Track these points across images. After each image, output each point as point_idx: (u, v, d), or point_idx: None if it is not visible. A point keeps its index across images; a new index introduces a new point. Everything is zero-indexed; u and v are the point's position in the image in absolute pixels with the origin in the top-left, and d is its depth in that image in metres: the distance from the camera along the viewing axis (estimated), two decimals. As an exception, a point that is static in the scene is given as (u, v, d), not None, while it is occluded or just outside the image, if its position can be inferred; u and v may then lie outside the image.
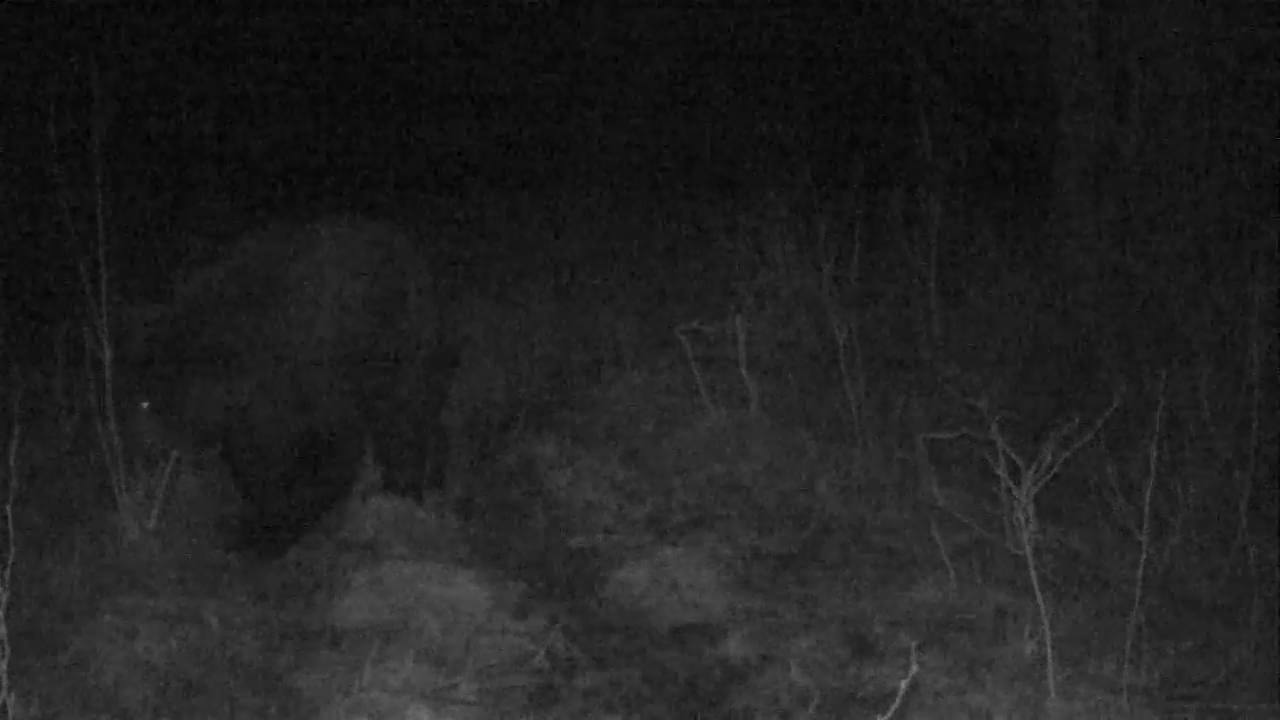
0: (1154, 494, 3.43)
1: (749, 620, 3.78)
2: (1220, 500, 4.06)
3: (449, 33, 11.19)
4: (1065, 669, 3.28)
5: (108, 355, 4.09)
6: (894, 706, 2.32)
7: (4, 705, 2.81)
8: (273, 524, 4.20)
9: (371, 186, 9.74)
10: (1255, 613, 3.53)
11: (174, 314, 4.04)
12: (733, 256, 6.23)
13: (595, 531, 4.56)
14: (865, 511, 4.48)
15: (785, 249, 5.98)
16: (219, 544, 4.16)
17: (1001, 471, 3.49)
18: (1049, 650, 3.19)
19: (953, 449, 4.58)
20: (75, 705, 3.27)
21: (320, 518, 4.33)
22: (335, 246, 4.36)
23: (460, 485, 5.05)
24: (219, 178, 8.93)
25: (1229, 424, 4.33)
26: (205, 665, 3.51)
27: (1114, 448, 4.06)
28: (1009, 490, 3.48)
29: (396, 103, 11.04)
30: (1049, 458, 3.42)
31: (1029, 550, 3.29)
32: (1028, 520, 3.30)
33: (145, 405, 4.00)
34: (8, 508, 3.10)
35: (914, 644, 2.54)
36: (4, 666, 2.78)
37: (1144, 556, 3.35)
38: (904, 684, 2.29)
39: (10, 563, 2.88)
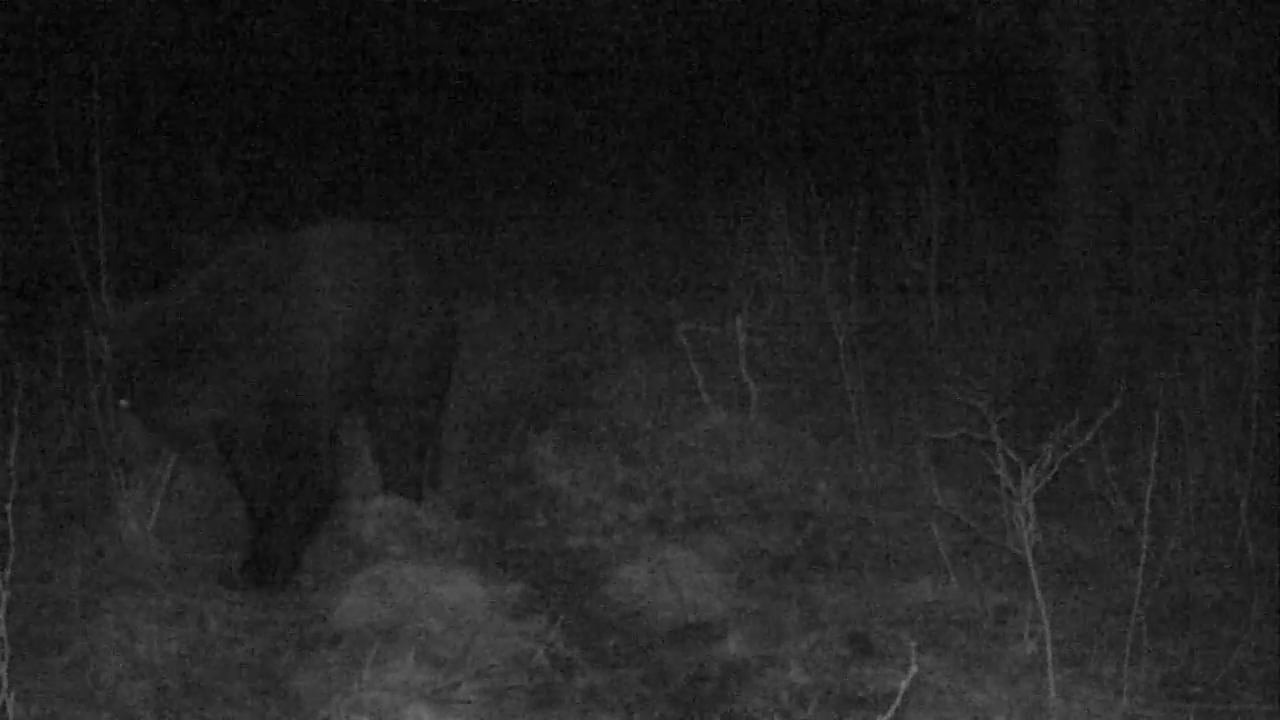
0: (1154, 494, 3.43)
1: (749, 620, 3.78)
2: (1220, 500, 4.07)
3: (450, 32, 11.19)
4: (1065, 669, 3.28)
5: (108, 355, 4.07)
6: (894, 706, 2.32)
7: (4, 705, 2.81)
8: (275, 554, 4.11)
9: (372, 186, 9.74)
10: (1255, 613, 3.53)
11: (158, 315, 3.93)
12: (733, 256, 6.23)
13: (595, 531, 4.56)
14: (865, 511, 4.48)
15: (785, 249, 5.99)
16: (223, 581, 4.08)
17: (1001, 471, 3.49)
18: (1049, 650, 3.19)
19: (953, 449, 4.58)
20: (75, 705, 3.27)
21: (315, 532, 4.25)
22: (333, 248, 4.33)
23: (460, 485, 5.05)
24: (220, 178, 8.94)
25: (1229, 424, 4.33)
26: (205, 665, 3.50)
27: (1114, 448, 4.06)
28: (1009, 490, 3.48)
29: (396, 103, 11.04)
30: (1049, 458, 3.42)
31: (1029, 550, 3.29)
32: (1028, 520, 3.30)
33: (123, 404, 3.92)
34: (8, 508, 3.10)
35: (914, 644, 2.54)
36: (4, 667, 2.78)
37: (1144, 556, 3.35)
38: (904, 684, 2.29)
39: (10, 563, 2.88)
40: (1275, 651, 3.41)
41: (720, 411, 5.25)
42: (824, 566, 4.16)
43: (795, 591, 3.98)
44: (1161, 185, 5.61)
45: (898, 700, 2.31)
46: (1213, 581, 3.80)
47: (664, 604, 3.95)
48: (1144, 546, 3.35)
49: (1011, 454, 3.45)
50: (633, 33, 10.72)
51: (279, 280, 4.10)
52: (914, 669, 2.35)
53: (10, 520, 3.13)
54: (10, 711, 2.83)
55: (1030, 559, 3.28)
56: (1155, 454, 3.43)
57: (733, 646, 3.63)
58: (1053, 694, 3.17)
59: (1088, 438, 3.73)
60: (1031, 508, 3.32)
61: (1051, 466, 3.42)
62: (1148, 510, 3.37)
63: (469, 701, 3.33)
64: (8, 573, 2.81)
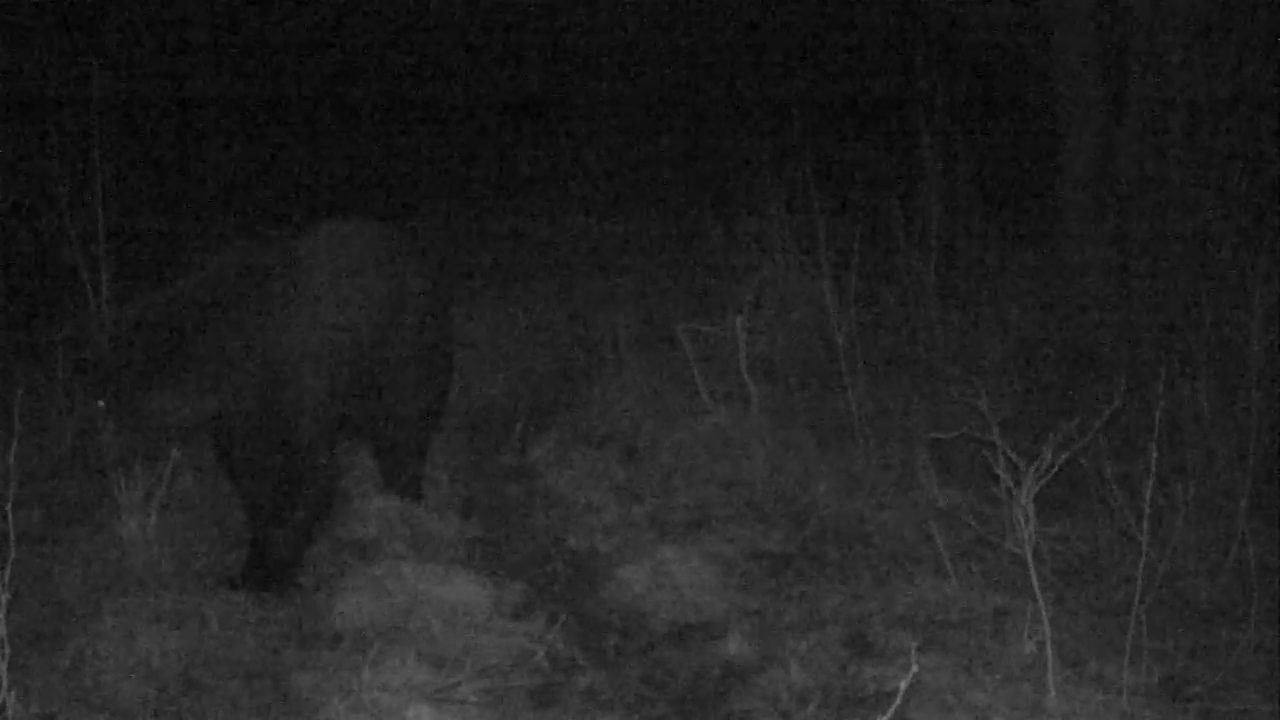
0: (1154, 494, 3.43)
1: (749, 620, 3.78)
2: (1220, 500, 4.06)
3: (449, 35, 11.20)
4: (1065, 669, 3.28)
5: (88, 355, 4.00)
6: (894, 706, 2.32)
7: (4, 705, 2.81)
8: (276, 556, 4.10)
9: (372, 188, 9.74)
10: (1255, 613, 3.53)
11: (140, 317, 3.86)
12: (733, 256, 6.23)
13: (595, 531, 4.56)
14: (865, 511, 4.48)
15: (785, 249, 5.99)
16: (224, 581, 4.06)
17: (1001, 471, 3.49)
18: (1049, 650, 3.19)
19: (953, 449, 4.58)
20: (75, 705, 3.27)
21: (316, 533, 4.24)
22: (335, 250, 4.31)
23: (460, 485, 5.04)
24: (221, 178, 8.94)
25: (1229, 424, 4.32)
26: (205, 665, 3.50)
27: (1114, 448, 4.06)
28: (1009, 490, 3.48)
29: (396, 105, 11.03)
30: (1049, 458, 3.42)
31: (1029, 550, 3.29)
32: (1028, 520, 3.30)
33: (101, 404, 3.84)
34: (8, 508, 3.10)
35: (914, 644, 2.55)
36: (4, 666, 2.78)
37: (1144, 557, 3.35)
38: (904, 684, 2.29)
39: (10, 562, 2.88)
40: (1275, 651, 3.41)
41: (720, 411, 5.24)
42: (824, 566, 4.16)
43: (795, 591, 3.98)
44: (1161, 185, 5.61)
45: (898, 700, 2.31)
46: (1213, 581, 3.80)
47: (664, 604, 3.95)
48: (1144, 546, 3.35)
49: (1011, 454, 3.45)
50: (633, 32, 10.72)
51: (276, 282, 4.05)
52: (914, 669, 2.36)
53: (10, 520, 3.13)
54: (10, 711, 2.83)
55: (1030, 559, 3.28)
56: (1155, 454, 3.43)
57: (733, 646, 3.63)
58: (1053, 694, 3.17)
59: (1088, 438, 3.73)
60: (1031, 508, 3.32)
61: (1051, 466, 3.42)
62: (1148, 510, 3.37)
63: (469, 701, 3.33)
64: (8, 573, 2.81)
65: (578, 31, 11.04)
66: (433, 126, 10.82)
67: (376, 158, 10.48)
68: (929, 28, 6.60)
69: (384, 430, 4.58)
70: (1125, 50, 5.79)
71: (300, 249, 4.21)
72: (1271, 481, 4.16)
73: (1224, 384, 4.48)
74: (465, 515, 4.76)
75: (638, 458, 5.15)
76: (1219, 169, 5.50)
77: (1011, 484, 3.43)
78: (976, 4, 6.17)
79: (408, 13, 11.08)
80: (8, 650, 2.77)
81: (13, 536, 3.16)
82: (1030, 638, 3.43)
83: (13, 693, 2.83)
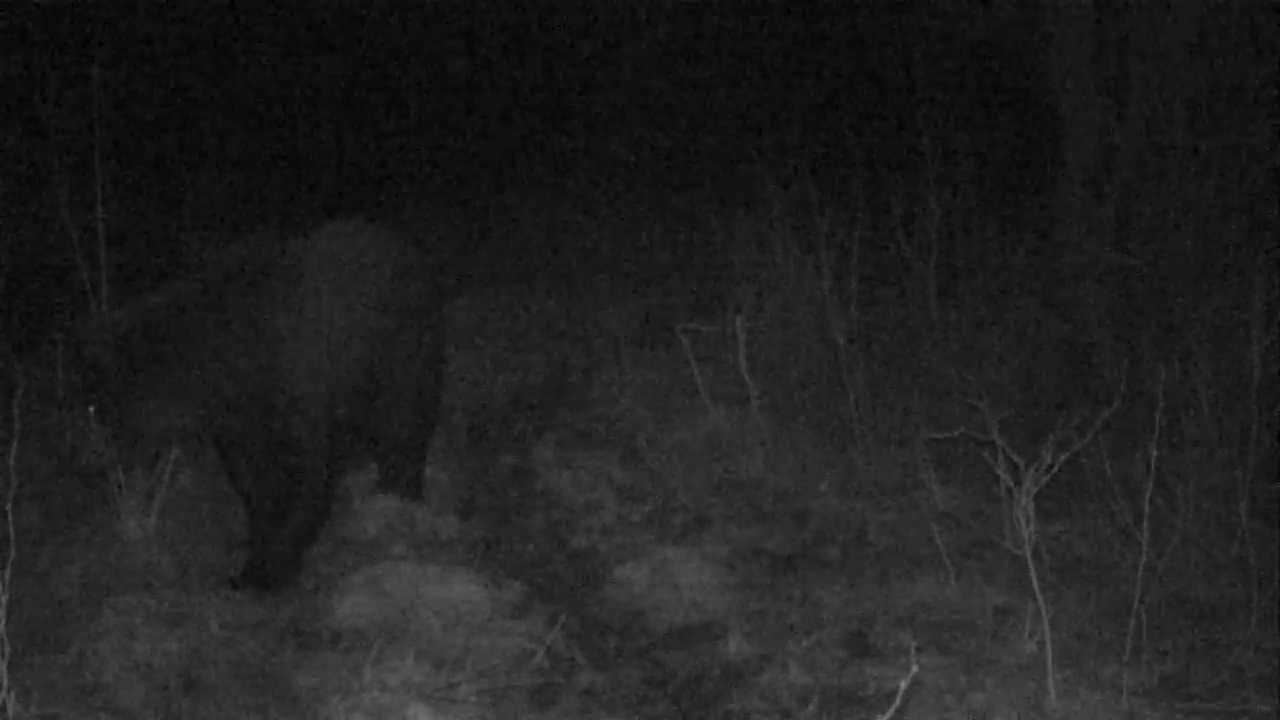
0: (1154, 494, 3.43)
1: (749, 620, 3.78)
2: (1220, 500, 4.06)
3: (449, 32, 11.19)
4: (1065, 669, 3.28)
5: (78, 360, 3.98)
6: (894, 706, 2.32)
7: (4, 704, 2.81)
8: (276, 559, 4.09)
9: (372, 187, 9.74)
10: (1255, 613, 3.53)
11: (132, 321, 3.83)
12: (733, 256, 6.23)
13: (595, 531, 4.56)
14: (865, 511, 4.48)
15: (785, 249, 5.98)
16: (226, 581, 4.06)
17: (1001, 471, 3.49)
18: (1049, 650, 3.19)
19: (953, 449, 4.58)
20: (75, 705, 3.27)
21: (315, 536, 4.23)
22: (339, 255, 4.29)
23: (460, 485, 5.04)
24: (220, 178, 8.94)
25: (1229, 424, 4.32)
26: (205, 665, 3.50)
27: (1114, 448, 4.06)
28: (1009, 490, 3.48)
29: (396, 103, 11.04)
30: (1049, 458, 3.42)
31: (1029, 550, 3.29)
32: (1028, 520, 3.30)
33: (91, 410, 3.81)
34: (8, 508, 3.10)
35: (914, 644, 2.55)
36: (4, 666, 2.78)
37: (1144, 557, 3.35)
38: (904, 684, 2.29)
39: (10, 563, 2.88)
40: (1275, 651, 3.41)
41: (720, 411, 5.25)
42: (824, 566, 4.16)
43: (795, 591, 3.98)
44: (1161, 185, 5.61)
45: (898, 700, 2.31)
46: (1213, 581, 3.80)
47: (664, 604, 3.95)
48: (1144, 546, 3.35)
49: (1011, 454, 3.45)
50: (633, 31, 10.72)
51: (276, 287, 4.03)
52: (914, 669, 2.35)
53: (10, 520, 3.13)
54: (10, 711, 2.83)
55: (1030, 559, 3.28)
56: (1155, 454, 3.43)
57: (733, 646, 3.63)
58: (1053, 694, 3.17)
59: (1088, 438, 3.73)
60: (1031, 508, 3.32)
61: (1051, 466, 3.42)
62: (1148, 510, 3.37)
63: (469, 701, 3.33)
64: (8, 573, 2.81)
65: (577, 31, 11.05)
66: (433, 126, 10.83)
67: (377, 157, 10.48)
68: (929, 27, 6.59)
69: (384, 432, 4.58)
70: (1125, 50, 5.78)
71: (300, 253, 4.20)
72: (1271, 481, 4.16)
73: (1224, 383, 4.47)
74: (465, 515, 4.76)
75: (638, 458, 5.15)
76: (1219, 168, 5.49)
77: (1011, 484, 3.43)
78: (977, 3, 6.16)
79: (408, 13, 11.09)
80: (8, 650, 2.77)
81: (13, 536, 3.16)
82: (1030, 638, 3.43)
83: (13, 693, 2.83)
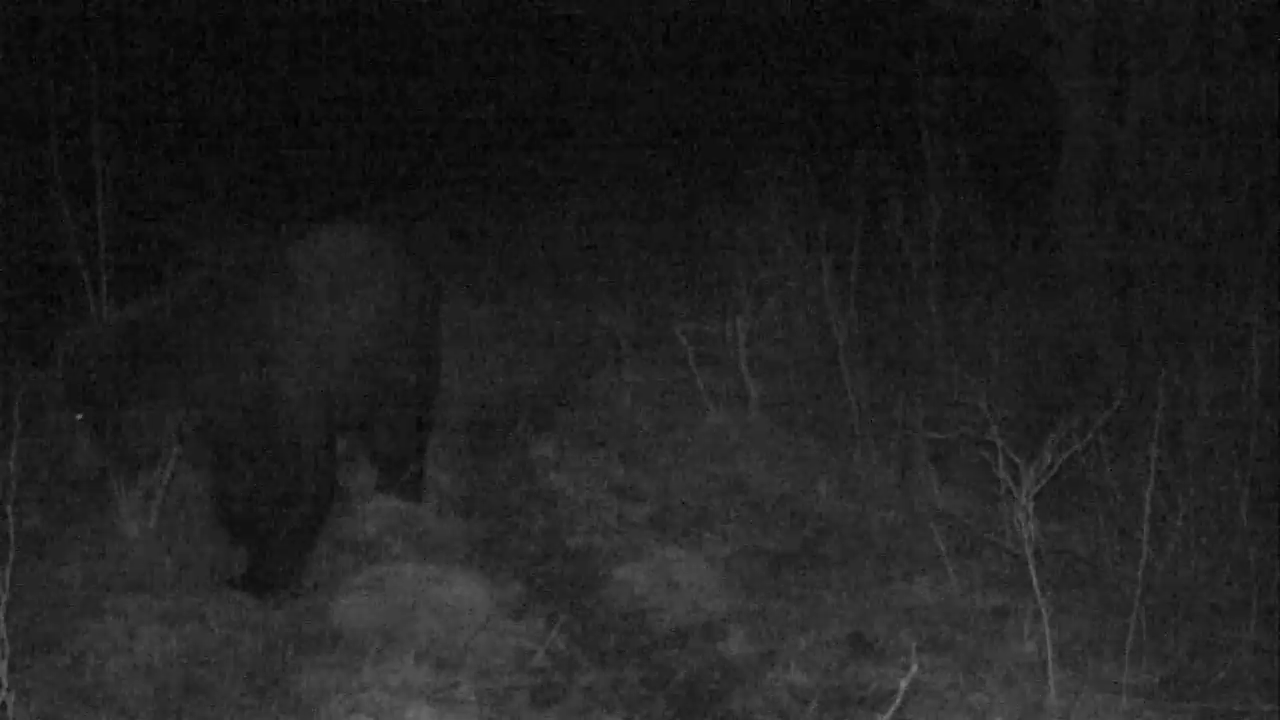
0: (1154, 494, 3.43)
1: (749, 620, 3.78)
2: (1220, 500, 4.07)
3: (447, 33, 11.20)
4: (1065, 669, 3.28)
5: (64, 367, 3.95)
6: (894, 706, 2.32)
7: (4, 705, 2.81)
8: (275, 563, 4.08)
9: (369, 188, 9.74)
10: (1255, 613, 3.53)
11: (119, 328, 3.80)
12: (733, 256, 6.23)
13: (595, 531, 4.56)
14: (865, 511, 4.48)
15: (785, 249, 5.99)
16: (225, 581, 4.05)
17: (1001, 471, 3.49)
18: (1049, 650, 3.19)
19: (953, 449, 4.58)
20: (75, 705, 3.27)
21: (313, 540, 4.22)
22: (336, 257, 4.27)
23: (460, 485, 5.04)
24: (220, 179, 8.94)
25: (1229, 424, 4.32)
26: (205, 665, 3.51)
27: (1114, 448, 4.06)
28: (1009, 490, 3.48)
29: (395, 104, 11.04)
30: (1049, 458, 3.42)
31: (1029, 550, 3.29)
32: (1028, 520, 3.30)
33: (79, 418, 3.79)
34: (8, 508, 3.10)
35: (914, 644, 2.54)
36: (4, 666, 2.78)
37: (1144, 557, 3.35)
38: (904, 684, 2.29)
39: (10, 563, 2.88)
40: (1275, 651, 3.41)
41: (720, 411, 5.25)
42: (824, 566, 4.16)
43: (795, 591, 3.98)
44: (1161, 185, 5.61)
45: (898, 700, 2.31)
46: (1213, 581, 3.80)
47: (664, 604, 3.95)
48: (1144, 546, 3.35)
49: (1011, 454, 3.45)
50: (633, 32, 10.72)
51: (272, 291, 4.01)
52: (914, 669, 2.36)
53: (10, 520, 3.13)
54: (10, 710, 2.83)
55: (1030, 559, 3.28)
56: (1155, 454, 3.43)
57: (733, 646, 3.63)
58: (1053, 694, 3.17)
59: (1088, 438, 3.73)
60: (1031, 508, 3.33)
61: (1051, 466, 3.42)
62: (1148, 510, 3.37)
63: (469, 701, 3.33)
64: (8, 573, 2.81)
65: (577, 32, 11.05)
66: (433, 127, 10.83)
67: (375, 158, 10.48)
68: (930, 28, 6.59)
69: (383, 433, 4.58)
70: (1125, 50, 5.79)
71: (297, 255, 4.18)
72: (1271, 481, 4.16)
73: (1224, 384, 4.48)
74: (465, 515, 4.76)
75: (638, 458, 5.15)
76: (1219, 168, 5.49)
77: (1011, 484, 3.43)
78: (977, 4, 6.16)
79: (407, 14, 11.09)
80: (8, 650, 2.77)
81: (13, 536, 3.16)
82: (1030, 638, 3.43)
83: (13, 693, 2.83)
